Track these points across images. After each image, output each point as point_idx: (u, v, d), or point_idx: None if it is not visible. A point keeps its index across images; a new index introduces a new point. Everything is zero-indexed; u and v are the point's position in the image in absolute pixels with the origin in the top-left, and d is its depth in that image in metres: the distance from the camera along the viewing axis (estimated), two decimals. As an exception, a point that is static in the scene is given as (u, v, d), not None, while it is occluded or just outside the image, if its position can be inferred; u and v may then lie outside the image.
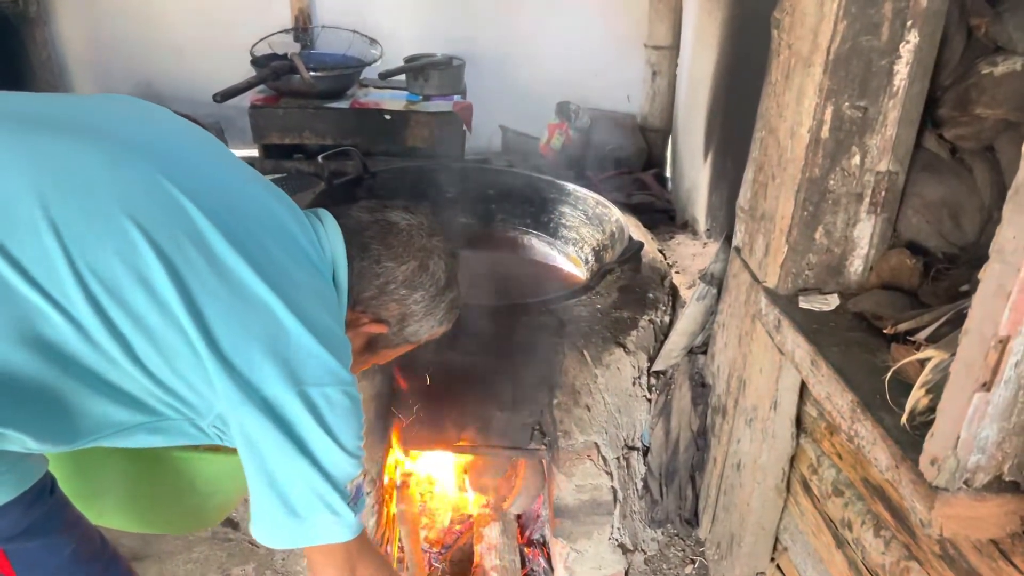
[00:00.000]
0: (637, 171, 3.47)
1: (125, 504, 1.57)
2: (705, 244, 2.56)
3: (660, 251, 2.35)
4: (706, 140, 2.65)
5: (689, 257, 2.46)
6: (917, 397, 1.17)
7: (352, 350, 1.16)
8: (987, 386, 1.01)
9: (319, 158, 2.25)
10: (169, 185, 1.01)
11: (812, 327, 1.46)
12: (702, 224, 2.66)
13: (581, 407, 1.81)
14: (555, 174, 2.78)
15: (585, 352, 1.83)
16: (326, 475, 1.04)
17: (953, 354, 1.11)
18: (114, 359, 0.97)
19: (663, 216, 3.00)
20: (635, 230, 2.33)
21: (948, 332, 1.23)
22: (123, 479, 1.54)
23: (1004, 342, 0.98)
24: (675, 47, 3.52)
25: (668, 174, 3.60)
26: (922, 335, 1.25)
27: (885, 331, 1.36)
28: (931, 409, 1.15)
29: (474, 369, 1.79)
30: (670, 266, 2.31)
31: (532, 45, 3.71)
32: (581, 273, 2.37)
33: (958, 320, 1.22)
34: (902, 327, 1.33)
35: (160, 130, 1.13)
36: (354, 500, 1.09)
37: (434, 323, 1.30)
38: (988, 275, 0.99)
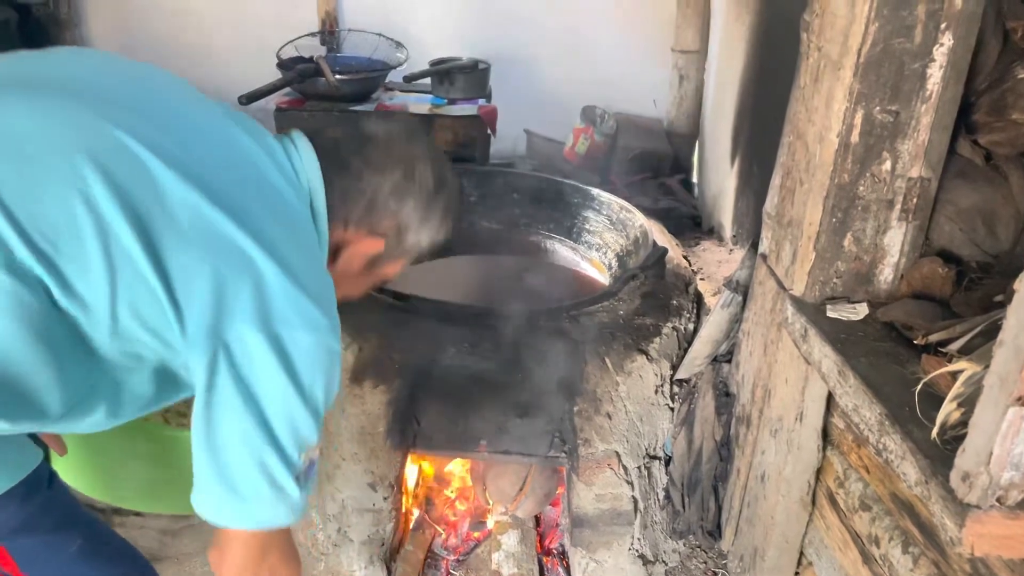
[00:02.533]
0: (663, 176, 3.43)
1: (144, 485, 1.57)
2: (731, 251, 2.52)
3: (685, 257, 2.32)
4: (733, 145, 2.62)
5: (715, 264, 2.43)
6: (948, 411, 1.13)
7: (353, 270, 1.12)
8: (1022, 401, 0.97)
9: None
10: (122, 133, 0.96)
11: (840, 337, 1.43)
12: (728, 230, 2.62)
13: (602, 415, 1.78)
14: (580, 178, 2.76)
15: (607, 359, 1.80)
16: (275, 440, 0.97)
17: (987, 367, 1.07)
18: (74, 316, 0.94)
19: (689, 222, 2.96)
20: (659, 235, 2.30)
21: (981, 344, 1.19)
22: (141, 460, 1.54)
23: (1041, 356, 0.94)
24: (703, 52, 3.48)
25: (694, 179, 3.56)
26: (954, 346, 1.21)
27: (916, 342, 1.32)
28: (963, 423, 1.11)
29: (494, 375, 1.77)
30: (695, 272, 2.27)
31: (558, 49, 3.69)
32: (604, 278, 2.34)
33: (992, 331, 1.18)
34: (933, 338, 1.29)
35: (117, 79, 1.08)
36: (305, 474, 1.03)
37: (432, 230, 1.23)
38: (1023, 286, 0.95)
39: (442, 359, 1.77)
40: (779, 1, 2.25)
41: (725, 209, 2.64)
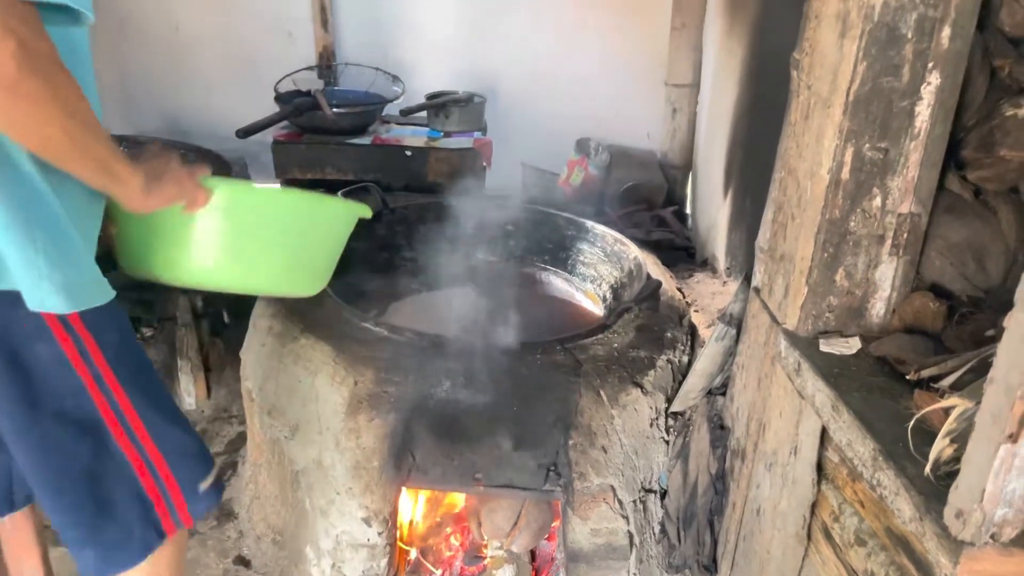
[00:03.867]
0: (657, 208, 3.46)
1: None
2: (725, 283, 2.54)
3: (679, 289, 2.33)
4: (725, 178, 2.64)
5: (708, 296, 2.44)
6: (941, 447, 1.13)
7: None
8: (1014, 438, 0.97)
9: (338, 194, 2.26)
10: None
11: (833, 371, 1.43)
12: (722, 263, 2.64)
13: (597, 448, 1.78)
14: (574, 211, 2.78)
15: (602, 392, 1.80)
16: None
17: (978, 403, 1.08)
18: None
19: (682, 254, 2.99)
20: (653, 268, 2.32)
21: (973, 379, 1.19)
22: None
23: (1030, 393, 0.95)
24: (695, 85, 3.53)
25: (688, 211, 3.59)
26: (946, 382, 1.22)
27: (908, 377, 1.32)
28: (956, 459, 1.11)
29: (489, 408, 1.77)
30: (689, 304, 2.28)
31: (553, 82, 3.74)
32: (599, 310, 2.35)
33: (983, 367, 1.19)
34: (925, 373, 1.29)
35: None
36: None
37: None
38: (1013, 324, 0.96)
39: (437, 392, 1.77)
40: (769, 37, 2.29)
41: (718, 241, 2.66)
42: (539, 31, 3.68)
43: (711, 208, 2.85)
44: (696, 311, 2.33)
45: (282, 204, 1.50)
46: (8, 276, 1.13)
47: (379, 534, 1.81)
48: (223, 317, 2.70)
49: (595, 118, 3.76)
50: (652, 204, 3.48)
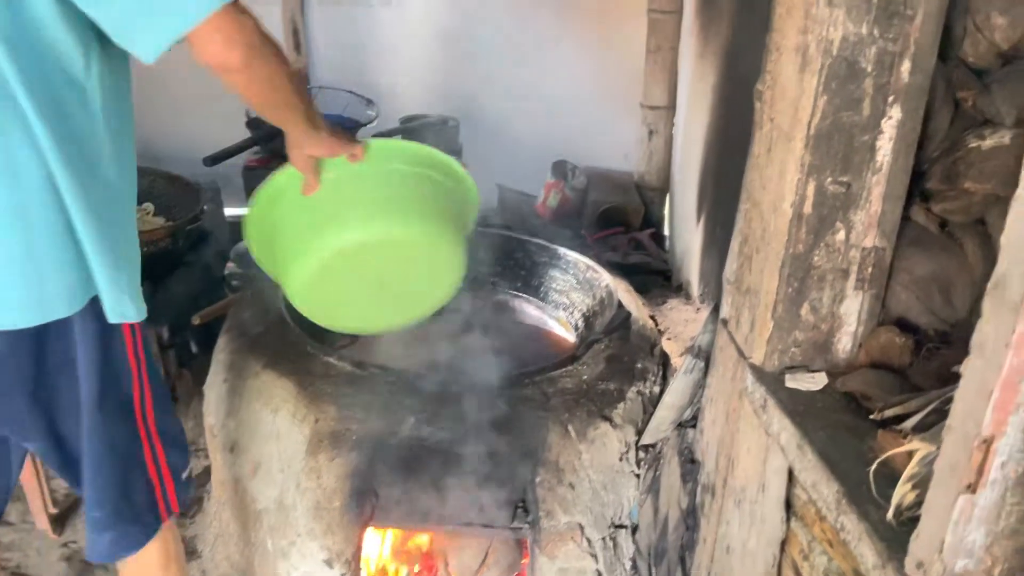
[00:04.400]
0: (634, 230, 3.44)
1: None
2: (698, 309, 2.52)
3: (651, 317, 2.30)
4: (698, 204, 2.63)
5: (682, 323, 2.42)
6: (903, 492, 1.11)
7: None
8: (972, 488, 0.95)
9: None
10: None
11: (799, 408, 1.41)
12: (695, 288, 2.62)
13: (565, 485, 1.74)
14: (550, 234, 2.75)
15: (570, 427, 1.77)
16: None
17: (939, 447, 1.06)
18: None
19: (658, 278, 2.96)
20: (625, 295, 2.29)
21: (936, 421, 1.17)
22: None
23: (988, 442, 0.92)
24: (671, 107, 3.53)
25: (666, 232, 3.57)
26: (908, 424, 1.20)
27: (872, 416, 1.30)
28: (919, 503, 1.09)
29: (454, 445, 1.73)
30: (661, 332, 2.26)
31: (529, 104, 3.73)
32: (571, 337, 2.32)
33: (946, 408, 1.17)
34: (889, 413, 1.27)
35: None
36: None
37: None
38: (969, 371, 0.94)
39: (401, 430, 1.73)
40: (739, 63, 2.28)
41: (692, 267, 2.64)
42: (514, 52, 3.66)
43: (685, 233, 2.83)
44: (669, 339, 2.31)
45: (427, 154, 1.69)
46: (94, 287, 1.27)
47: (342, 575, 1.77)
48: (190, 348, 2.66)
49: (572, 139, 3.74)
50: (629, 226, 3.47)
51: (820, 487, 1.26)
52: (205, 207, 2.96)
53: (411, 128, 3.23)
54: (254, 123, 3.12)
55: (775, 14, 1.47)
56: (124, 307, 1.31)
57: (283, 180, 1.49)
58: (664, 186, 3.62)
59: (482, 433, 1.74)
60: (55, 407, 1.35)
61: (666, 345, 2.21)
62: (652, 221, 3.58)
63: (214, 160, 2.55)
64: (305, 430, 1.73)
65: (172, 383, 2.57)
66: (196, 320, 2.35)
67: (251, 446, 1.83)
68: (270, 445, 1.79)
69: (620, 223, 3.45)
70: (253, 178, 3.08)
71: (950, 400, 1.18)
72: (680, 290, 2.81)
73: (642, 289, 2.59)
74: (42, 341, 1.28)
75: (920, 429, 1.19)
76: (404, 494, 1.73)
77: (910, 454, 1.14)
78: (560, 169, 3.63)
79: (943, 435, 0.98)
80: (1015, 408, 0.90)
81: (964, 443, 0.94)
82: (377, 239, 1.49)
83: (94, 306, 1.29)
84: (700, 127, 2.63)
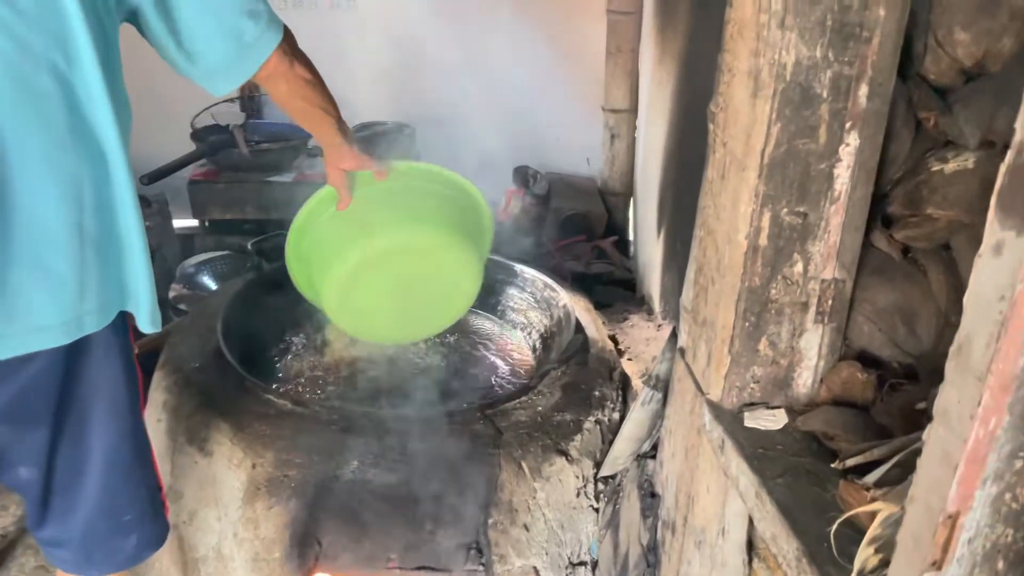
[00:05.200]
0: (596, 238, 3.37)
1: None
2: (659, 327, 2.44)
3: (612, 336, 2.22)
4: (658, 216, 2.55)
5: (643, 342, 2.34)
6: (865, 556, 1.03)
7: None
8: (937, 565, 0.87)
9: (249, 245, 2.12)
10: None
11: (757, 451, 1.33)
12: (657, 304, 2.54)
13: (519, 527, 1.66)
14: (512, 242, 2.67)
15: (523, 464, 1.69)
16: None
17: (903, 509, 0.98)
18: None
19: (622, 289, 2.88)
20: (585, 314, 2.21)
21: (900, 475, 1.10)
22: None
23: (954, 517, 0.85)
24: (633, 110, 3.45)
25: (631, 238, 3.50)
26: (871, 478, 1.12)
27: (833, 466, 1.23)
28: (883, 565, 1.02)
29: (402, 487, 1.64)
30: (621, 353, 2.18)
31: (488, 108, 3.62)
32: (530, 358, 2.24)
33: (910, 460, 1.10)
34: (851, 462, 1.20)
35: None
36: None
37: None
38: (932, 440, 0.86)
39: (344, 473, 1.64)
40: (696, 73, 2.20)
41: (653, 281, 2.57)
42: (472, 56, 3.56)
43: (647, 245, 2.76)
44: (629, 359, 2.23)
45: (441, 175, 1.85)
46: (124, 300, 1.30)
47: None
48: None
49: (533, 145, 3.65)
50: (592, 233, 3.39)
51: (780, 542, 1.18)
52: (151, 224, 2.82)
53: (366, 136, 3.12)
54: (199, 135, 3.00)
55: (726, 33, 1.39)
56: (156, 318, 1.36)
57: (315, 204, 1.71)
58: (628, 191, 3.55)
59: (431, 473, 1.65)
60: (67, 431, 1.33)
61: (626, 366, 2.13)
62: (615, 227, 3.51)
63: (152, 178, 2.43)
64: (242, 476, 1.63)
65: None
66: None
67: (186, 491, 1.73)
68: (206, 491, 1.69)
69: (583, 230, 3.37)
70: (199, 191, 2.96)
71: (915, 452, 1.12)
72: (643, 303, 2.73)
73: (604, 304, 2.51)
74: (71, 360, 1.27)
75: (884, 483, 1.12)
76: (349, 541, 1.64)
77: (874, 513, 1.06)
78: (521, 175, 3.54)
79: (906, 504, 0.91)
80: (981, 483, 0.82)
81: (928, 516, 0.87)
82: (405, 245, 1.67)
83: (114, 318, 1.31)
84: (659, 136, 2.55)
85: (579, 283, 2.90)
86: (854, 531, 1.10)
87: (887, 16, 1.21)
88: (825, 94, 1.24)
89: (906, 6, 1.23)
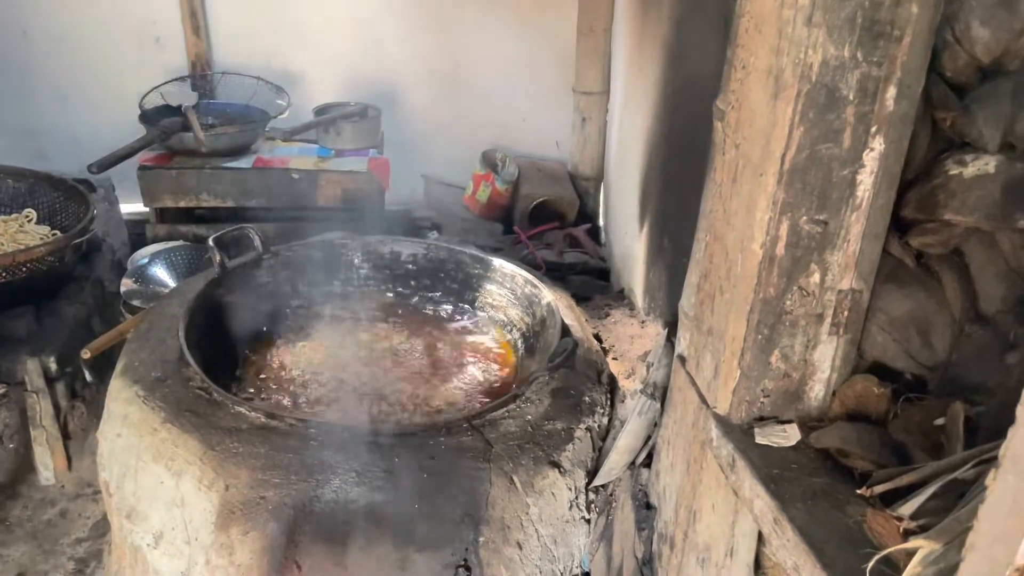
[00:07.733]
0: (569, 224, 3.28)
1: None
2: (643, 323, 2.37)
3: (596, 336, 2.14)
4: (641, 209, 2.46)
5: (627, 339, 2.26)
6: (906, 596, 0.97)
7: None
8: (1003, 621, 0.81)
9: (209, 241, 1.98)
10: None
11: (772, 472, 1.27)
12: (639, 300, 2.46)
13: (512, 545, 1.58)
14: (482, 230, 2.56)
15: (515, 478, 1.60)
16: None
17: (947, 543, 0.93)
18: None
19: (597, 280, 2.81)
20: (568, 312, 2.12)
21: (937, 507, 1.04)
22: None
23: (1023, 572, 0.78)
24: (605, 92, 3.35)
25: (601, 223, 3.42)
26: (906, 509, 1.06)
27: (860, 492, 1.16)
28: (923, 605, 0.96)
29: (387, 506, 1.54)
30: (606, 352, 2.10)
31: (455, 89, 3.50)
32: (512, 359, 2.14)
33: (948, 491, 1.05)
34: (878, 489, 1.13)
35: None
36: None
37: None
38: (1000, 488, 0.79)
39: (324, 493, 1.53)
40: (685, 64, 2.10)
41: (635, 276, 2.49)
42: (438, 34, 3.41)
43: (626, 237, 2.67)
44: (615, 358, 2.15)
45: None
46: None
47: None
48: (85, 376, 2.37)
49: (501, 126, 3.54)
50: (564, 220, 3.29)
51: (804, 574, 1.12)
52: (96, 211, 2.62)
53: (329, 119, 2.97)
54: (148, 116, 2.81)
55: (739, 26, 1.30)
56: None
57: None
58: (599, 175, 3.46)
59: (418, 491, 1.55)
60: None
61: (612, 366, 2.05)
62: (587, 214, 3.42)
63: (100, 167, 2.25)
64: (214, 498, 1.51)
65: (63, 419, 2.29)
66: (86, 354, 2.07)
67: (151, 513, 1.60)
68: (174, 513, 1.56)
69: (555, 217, 3.28)
70: (149, 178, 2.78)
71: (952, 483, 1.06)
72: (622, 296, 2.65)
73: (583, 295, 2.42)
74: None
75: (918, 516, 1.06)
76: (331, 565, 1.53)
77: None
78: (489, 159, 3.43)
79: (964, 553, 0.84)
80: (1057, 536, 0.76)
81: (993, 569, 0.80)
82: None
83: None
84: (641, 125, 2.46)
85: (553, 273, 2.81)
86: (883, 563, 1.04)
87: (920, 14, 1.13)
88: (851, 96, 1.16)
89: (939, 3, 1.16)
